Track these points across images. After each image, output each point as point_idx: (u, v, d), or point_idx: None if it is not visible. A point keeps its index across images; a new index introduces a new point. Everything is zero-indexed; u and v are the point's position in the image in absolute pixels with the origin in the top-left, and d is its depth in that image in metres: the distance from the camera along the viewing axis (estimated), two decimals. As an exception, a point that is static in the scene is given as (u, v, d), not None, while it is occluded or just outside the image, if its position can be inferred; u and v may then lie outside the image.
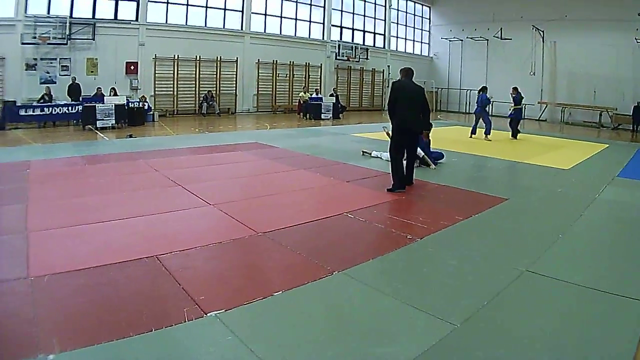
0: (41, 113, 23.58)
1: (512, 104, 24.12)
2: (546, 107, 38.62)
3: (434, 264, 6.71)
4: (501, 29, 40.51)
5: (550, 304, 5.63)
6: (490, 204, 9.98)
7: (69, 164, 13.50)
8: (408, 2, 47.09)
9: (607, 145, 22.60)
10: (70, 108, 24.15)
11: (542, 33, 38.92)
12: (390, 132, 11.83)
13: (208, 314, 5.05)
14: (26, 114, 23.09)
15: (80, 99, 25.16)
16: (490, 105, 23.70)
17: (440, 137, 20.81)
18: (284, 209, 9.47)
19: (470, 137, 22.89)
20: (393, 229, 8.19)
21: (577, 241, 8.09)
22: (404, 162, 11.37)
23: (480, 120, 22.91)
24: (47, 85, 25.62)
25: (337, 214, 9.00)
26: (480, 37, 42.89)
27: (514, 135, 23.35)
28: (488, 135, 22.39)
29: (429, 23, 49.71)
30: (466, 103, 43.89)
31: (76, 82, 26.23)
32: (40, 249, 6.87)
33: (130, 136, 20.04)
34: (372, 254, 6.93)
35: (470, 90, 42.63)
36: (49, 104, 24.25)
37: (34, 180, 11.34)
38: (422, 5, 48.67)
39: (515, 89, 24.06)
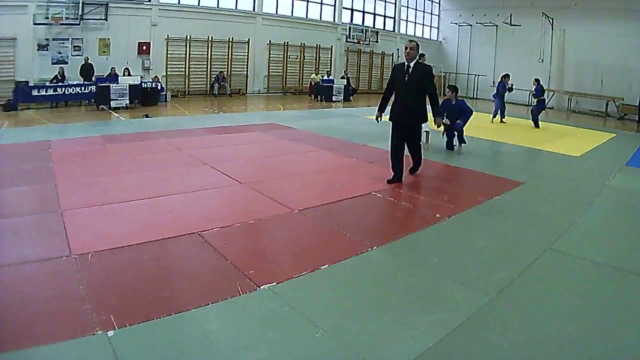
0: (54, 93, 23.54)
1: (534, 95, 23.77)
2: (553, 94, 38.16)
3: (464, 241, 7.01)
4: (510, 15, 40.25)
5: (574, 278, 6.06)
6: (508, 187, 10.25)
7: (90, 144, 13.56)
8: (418, -16, 46.73)
9: (614, 134, 22.62)
10: (83, 88, 24.10)
11: (551, 20, 38.64)
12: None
13: (261, 287, 5.22)
14: (39, 94, 23.05)
15: (94, 79, 25.25)
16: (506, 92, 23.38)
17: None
18: (314, 187, 9.66)
19: (501, 121, 23.64)
20: (421, 208, 8.49)
21: (593, 223, 8.45)
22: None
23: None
24: (60, 65, 25.64)
25: (366, 193, 9.27)
26: (490, 22, 42.50)
27: (536, 125, 22.79)
28: (493, 119, 23.34)
29: (439, 7, 49.29)
30: (474, 88, 43.61)
31: (89, 62, 26.30)
32: (77, 227, 6.93)
33: (147, 116, 20.07)
34: (405, 230, 7.23)
35: (479, 75, 42.59)
36: (62, 84, 24.23)
37: (58, 159, 11.37)
38: (432, -11, 48.41)
39: (537, 80, 23.84)
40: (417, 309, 4.92)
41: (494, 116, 23.27)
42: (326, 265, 5.81)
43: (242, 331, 4.48)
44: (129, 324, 4.42)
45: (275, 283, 5.30)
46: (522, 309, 5.04)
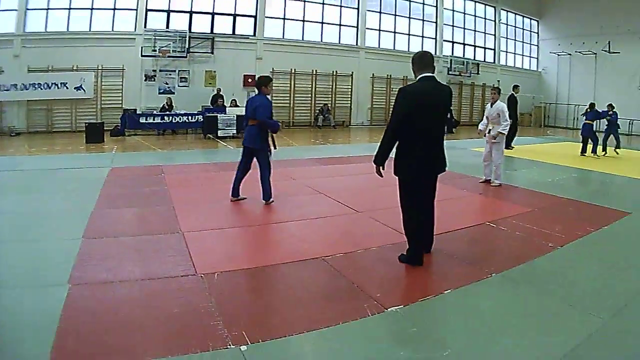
0: (161, 121, 24.58)
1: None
2: (655, 122, 37.10)
3: (578, 268, 7.05)
4: (609, 42, 39.01)
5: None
6: (616, 217, 10.02)
7: (202, 170, 14.10)
8: (517, 16, 46.11)
9: None
10: (190, 117, 24.91)
11: (649, 45, 37.57)
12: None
13: (389, 309, 5.29)
14: (146, 121, 24.12)
15: (202, 109, 26.20)
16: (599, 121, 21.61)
17: (552, 152, 21.80)
18: (428, 218, 9.50)
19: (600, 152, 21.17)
20: (534, 238, 8.34)
21: None
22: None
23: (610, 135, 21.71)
24: (167, 95, 26.80)
25: (479, 223, 9.25)
26: (589, 51, 41.11)
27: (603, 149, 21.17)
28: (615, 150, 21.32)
29: (537, 37, 48.33)
30: (574, 118, 42.31)
31: (220, 93, 27.34)
32: (200, 248, 7.14)
33: (254, 145, 20.15)
34: (521, 259, 7.19)
35: (578, 105, 41.64)
36: (170, 113, 25.16)
37: (172, 184, 11.80)
38: (530, 19, 47.51)
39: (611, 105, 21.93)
40: (537, 332, 4.98)
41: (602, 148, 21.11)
42: (449, 290, 5.87)
43: (373, 349, 4.58)
44: (261, 340, 4.53)
45: (402, 306, 5.37)
46: (635, 332, 5.09)
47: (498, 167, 12.94)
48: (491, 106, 13.37)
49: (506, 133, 13.11)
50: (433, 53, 30.63)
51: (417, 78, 6.77)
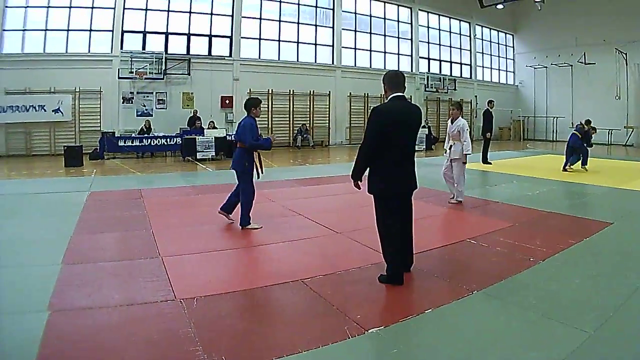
0: (140, 144, 24.64)
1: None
2: (633, 131, 37.33)
3: (560, 282, 6.96)
4: (584, 53, 39.31)
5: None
6: (597, 229, 10.03)
7: (181, 194, 13.97)
8: (492, 30, 46.51)
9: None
10: (168, 140, 24.98)
11: (625, 55, 37.65)
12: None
13: (369, 331, 5.22)
14: (125, 144, 24.21)
15: (180, 131, 26.24)
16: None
17: (532, 165, 21.95)
18: (408, 236, 9.50)
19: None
20: (515, 253, 8.33)
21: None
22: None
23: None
24: (146, 118, 26.76)
25: (460, 240, 9.17)
26: (564, 62, 41.47)
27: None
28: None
29: (513, 51, 48.80)
30: (553, 131, 42.72)
31: (197, 115, 27.23)
32: (179, 273, 7.08)
33: (235, 168, 20.21)
34: (503, 275, 7.13)
35: (557, 117, 41.89)
36: (148, 135, 25.23)
37: (151, 208, 11.70)
38: (506, 33, 47.97)
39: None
40: (523, 348, 4.93)
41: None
42: (431, 309, 5.81)
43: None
44: (248, 366, 4.47)
45: (382, 326, 5.30)
46: (620, 345, 5.08)
47: (460, 184, 12.88)
48: (452, 122, 13.41)
49: (471, 153, 13.09)
50: (409, 70, 31.21)
51: (389, 98, 6.94)
